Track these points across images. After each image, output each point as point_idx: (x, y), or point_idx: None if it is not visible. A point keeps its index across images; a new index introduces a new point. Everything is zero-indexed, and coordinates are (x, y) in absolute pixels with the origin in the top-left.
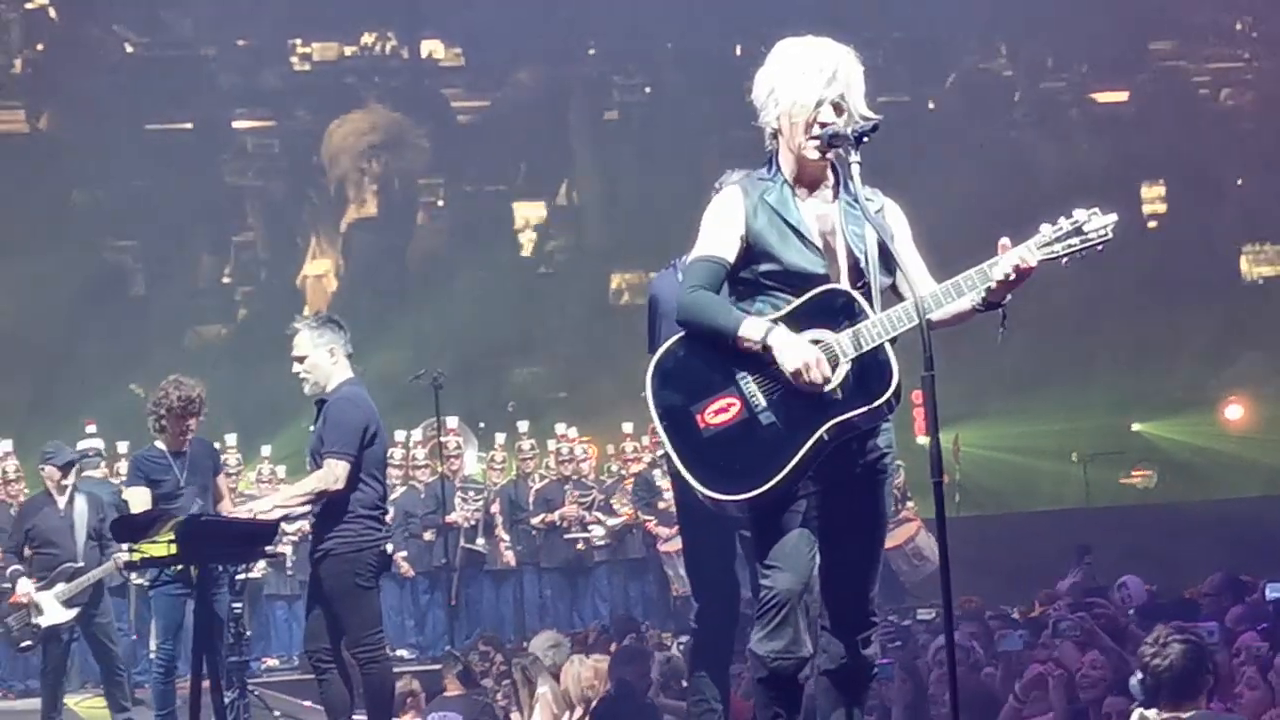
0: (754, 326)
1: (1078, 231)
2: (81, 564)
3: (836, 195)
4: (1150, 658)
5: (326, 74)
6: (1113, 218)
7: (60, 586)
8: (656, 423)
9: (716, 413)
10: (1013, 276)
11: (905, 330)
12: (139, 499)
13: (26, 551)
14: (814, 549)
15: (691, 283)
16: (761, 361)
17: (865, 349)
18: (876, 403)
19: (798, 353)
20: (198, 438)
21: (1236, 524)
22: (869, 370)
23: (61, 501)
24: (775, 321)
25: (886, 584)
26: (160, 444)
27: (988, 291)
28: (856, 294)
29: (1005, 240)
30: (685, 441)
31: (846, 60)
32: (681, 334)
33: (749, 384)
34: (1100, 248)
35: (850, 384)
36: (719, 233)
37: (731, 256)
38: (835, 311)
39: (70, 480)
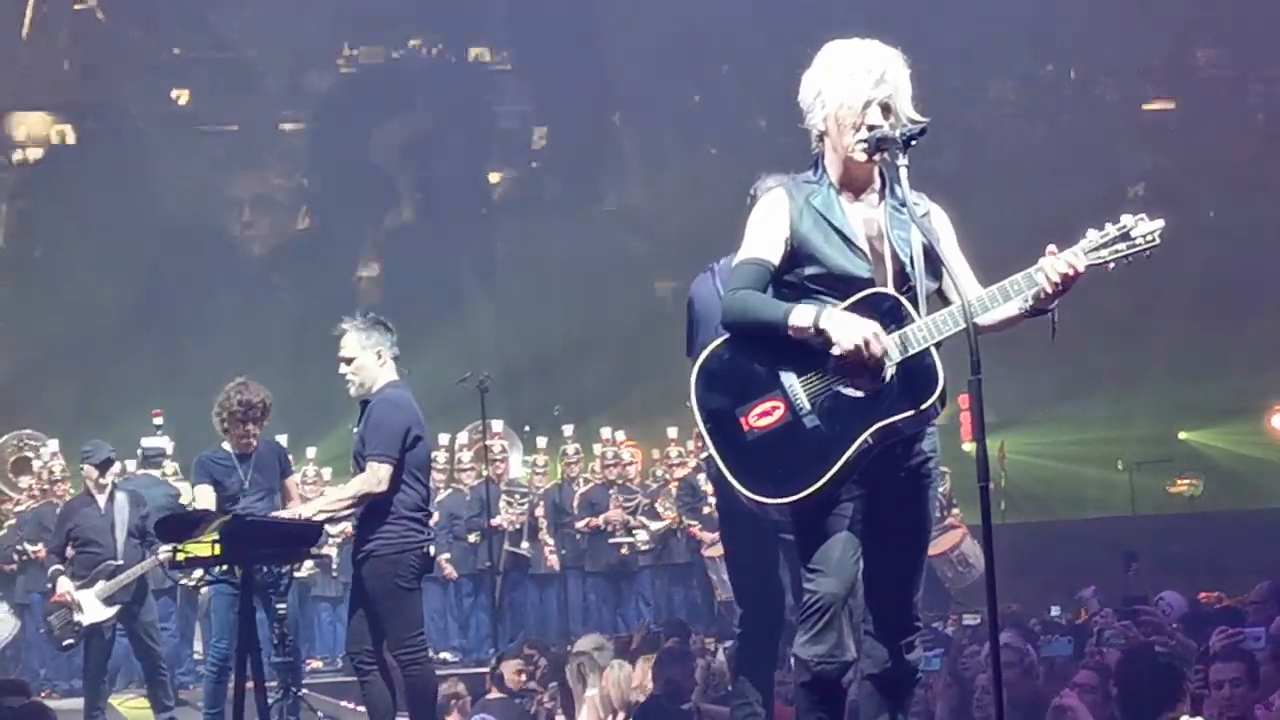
0: (803, 313)
1: (1125, 237)
2: (121, 562)
3: (882, 198)
4: None
5: (373, 77)
6: (1159, 224)
7: (100, 584)
8: (700, 425)
9: (761, 415)
10: (1060, 282)
11: (951, 334)
12: (205, 498)
13: (69, 551)
14: (858, 553)
15: (736, 284)
16: (807, 364)
17: (911, 353)
18: (922, 406)
19: (854, 329)
20: (266, 440)
21: None
22: (915, 374)
23: (101, 500)
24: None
25: (931, 590)
26: (226, 445)
27: (1035, 297)
28: (902, 298)
29: (1052, 246)
30: (729, 444)
31: (894, 62)
32: (726, 336)
33: (794, 386)
34: (1148, 254)
35: (896, 387)
36: (764, 235)
37: (776, 259)
38: (881, 315)
39: (109, 479)
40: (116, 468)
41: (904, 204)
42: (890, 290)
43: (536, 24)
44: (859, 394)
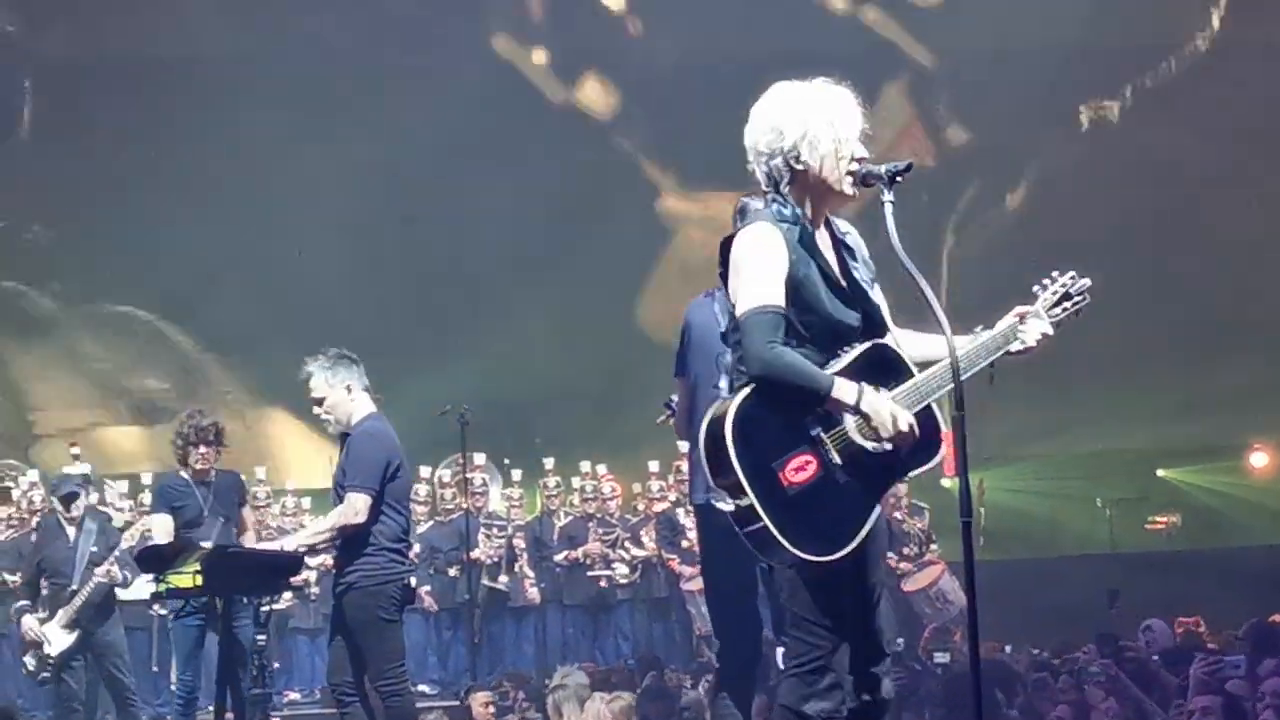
0: (847, 390)
1: (1068, 295)
2: (76, 588)
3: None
4: None
5: None
6: (1086, 282)
7: (60, 612)
8: (744, 483)
9: (796, 470)
10: (1036, 345)
11: (947, 389)
12: (161, 526)
13: (42, 583)
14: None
15: (769, 337)
16: (831, 417)
17: (918, 407)
18: (935, 460)
19: (896, 421)
20: (226, 469)
21: (1261, 572)
22: (923, 427)
23: (71, 532)
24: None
25: (909, 627)
26: (184, 472)
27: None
28: (901, 350)
29: (1021, 308)
30: (772, 500)
31: (852, 97)
32: (753, 386)
33: (822, 440)
34: (1081, 311)
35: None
36: (772, 278)
37: (784, 303)
38: (885, 366)
39: (75, 512)
40: (85, 499)
41: (845, 242)
42: (889, 342)
43: None
44: (880, 446)
